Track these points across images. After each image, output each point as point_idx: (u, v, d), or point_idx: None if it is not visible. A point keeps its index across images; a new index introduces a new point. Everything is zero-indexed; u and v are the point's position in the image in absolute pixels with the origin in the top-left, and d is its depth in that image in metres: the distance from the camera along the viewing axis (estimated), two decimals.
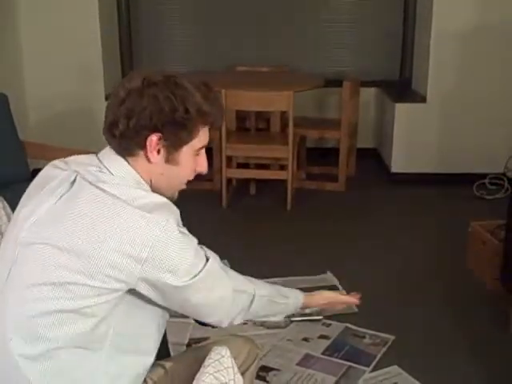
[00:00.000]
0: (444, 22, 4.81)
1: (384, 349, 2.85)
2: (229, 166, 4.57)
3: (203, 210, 4.39)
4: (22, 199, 1.59)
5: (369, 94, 5.58)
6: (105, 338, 1.47)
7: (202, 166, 1.62)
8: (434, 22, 4.83)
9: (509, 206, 3.23)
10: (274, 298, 1.79)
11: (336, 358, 2.79)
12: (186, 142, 1.54)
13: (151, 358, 1.60)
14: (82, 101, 5.11)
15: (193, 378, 1.57)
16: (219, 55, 5.66)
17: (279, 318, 1.87)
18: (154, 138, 1.49)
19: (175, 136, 1.51)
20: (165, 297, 1.49)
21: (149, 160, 1.52)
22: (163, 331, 1.64)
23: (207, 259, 1.52)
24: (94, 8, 4.96)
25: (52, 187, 1.51)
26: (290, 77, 5.25)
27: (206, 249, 1.57)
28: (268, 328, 2.98)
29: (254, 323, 2.96)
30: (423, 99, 5.00)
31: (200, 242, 1.54)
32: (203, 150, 1.61)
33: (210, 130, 1.60)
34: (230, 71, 5.43)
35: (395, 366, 2.71)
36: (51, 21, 4.95)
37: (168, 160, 1.54)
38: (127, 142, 1.51)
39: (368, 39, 5.66)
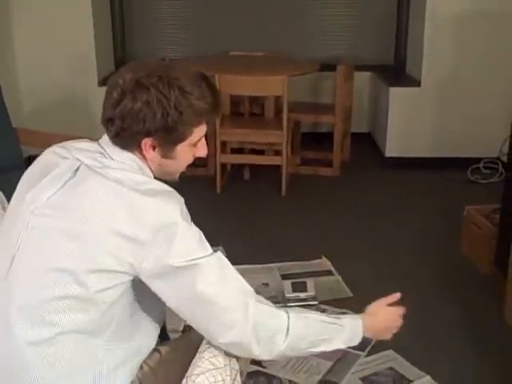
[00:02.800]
0: (438, 5, 4.79)
1: None
2: (223, 151, 4.56)
3: (198, 196, 4.36)
4: (20, 187, 1.59)
5: (363, 78, 5.56)
6: (109, 324, 1.49)
7: (202, 152, 1.64)
8: (428, 6, 4.81)
9: (503, 190, 3.23)
10: (320, 317, 1.63)
11: None
12: (180, 142, 1.55)
13: (152, 346, 1.63)
14: (75, 88, 5.08)
15: (189, 363, 1.58)
16: (213, 40, 5.63)
17: (335, 347, 1.63)
18: (148, 142, 1.51)
19: (168, 139, 1.53)
20: (168, 284, 1.47)
21: (144, 157, 1.55)
22: (163, 318, 1.67)
23: (214, 251, 1.51)
24: None
25: (55, 175, 1.51)
26: (284, 61, 5.22)
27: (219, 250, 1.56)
28: None
29: None
30: (417, 83, 4.99)
31: None
32: (203, 138, 1.62)
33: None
34: (224, 56, 5.40)
35: (390, 351, 2.72)
36: (43, 8, 4.90)
37: (164, 156, 1.56)
38: (123, 141, 1.53)
39: (362, 23, 5.63)
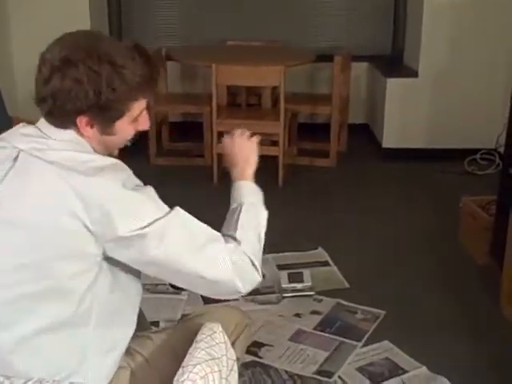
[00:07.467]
0: None
1: (375, 324, 2.86)
2: (219, 141, 4.54)
3: (195, 186, 4.37)
4: None
5: (360, 68, 5.55)
6: (89, 314, 1.47)
7: (144, 126, 1.58)
8: None
9: (500, 181, 3.24)
10: (249, 221, 1.65)
11: (328, 333, 2.80)
12: (117, 119, 1.49)
13: (132, 329, 1.60)
14: None
15: (181, 350, 1.57)
16: (210, 30, 5.60)
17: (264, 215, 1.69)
18: (83, 119, 1.46)
19: (104, 116, 1.47)
20: (137, 254, 1.44)
21: (82, 135, 1.49)
22: (140, 300, 1.64)
23: (169, 212, 1.47)
24: None
25: None
26: (282, 51, 5.21)
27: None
28: (260, 304, 2.99)
29: (246, 299, 2.97)
30: (415, 74, 4.98)
31: None
32: (144, 111, 1.55)
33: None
34: (221, 46, 5.38)
35: (386, 341, 2.73)
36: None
37: (103, 133, 1.50)
38: (58, 119, 1.48)
39: (360, 13, 5.61)
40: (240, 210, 1.65)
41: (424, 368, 2.56)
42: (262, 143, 4.95)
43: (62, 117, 1.47)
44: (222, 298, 1.62)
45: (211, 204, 4.17)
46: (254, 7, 5.60)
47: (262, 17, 5.60)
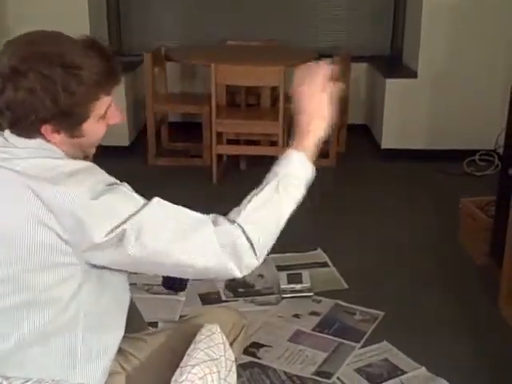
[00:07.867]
0: None
1: (374, 325, 2.86)
2: (219, 142, 4.54)
3: (194, 186, 4.36)
4: None
5: (359, 69, 5.55)
6: (76, 320, 1.45)
7: (116, 119, 1.52)
8: None
9: (499, 182, 3.23)
10: (263, 195, 1.55)
11: (326, 334, 2.80)
12: (83, 121, 1.43)
13: (122, 331, 1.58)
14: None
15: (178, 351, 1.56)
16: (210, 29, 5.60)
17: (295, 198, 1.63)
18: (48, 128, 1.41)
19: (68, 122, 1.42)
20: (119, 252, 1.38)
21: (50, 142, 1.44)
22: (128, 299, 1.62)
23: (145, 204, 1.41)
24: None
25: None
26: (281, 51, 5.20)
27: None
28: (259, 305, 2.98)
29: (245, 300, 2.97)
30: (414, 75, 4.97)
31: None
32: (111, 106, 1.49)
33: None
34: (221, 46, 5.38)
35: (385, 342, 2.72)
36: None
37: (72, 136, 1.45)
38: (21, 130, 1.43)
39: (359, 13, 5.61)
40: (267, 183, 1.54)
41: (423, 369, 2.55)
42: (260, 143, 4.90)
43: (24, 128, 1.41)
44: (219, 280, 1.57)
45: (210, 204, 4.17)
46: (253, 7, 5.60)
47: (262, 17, 5.60)
